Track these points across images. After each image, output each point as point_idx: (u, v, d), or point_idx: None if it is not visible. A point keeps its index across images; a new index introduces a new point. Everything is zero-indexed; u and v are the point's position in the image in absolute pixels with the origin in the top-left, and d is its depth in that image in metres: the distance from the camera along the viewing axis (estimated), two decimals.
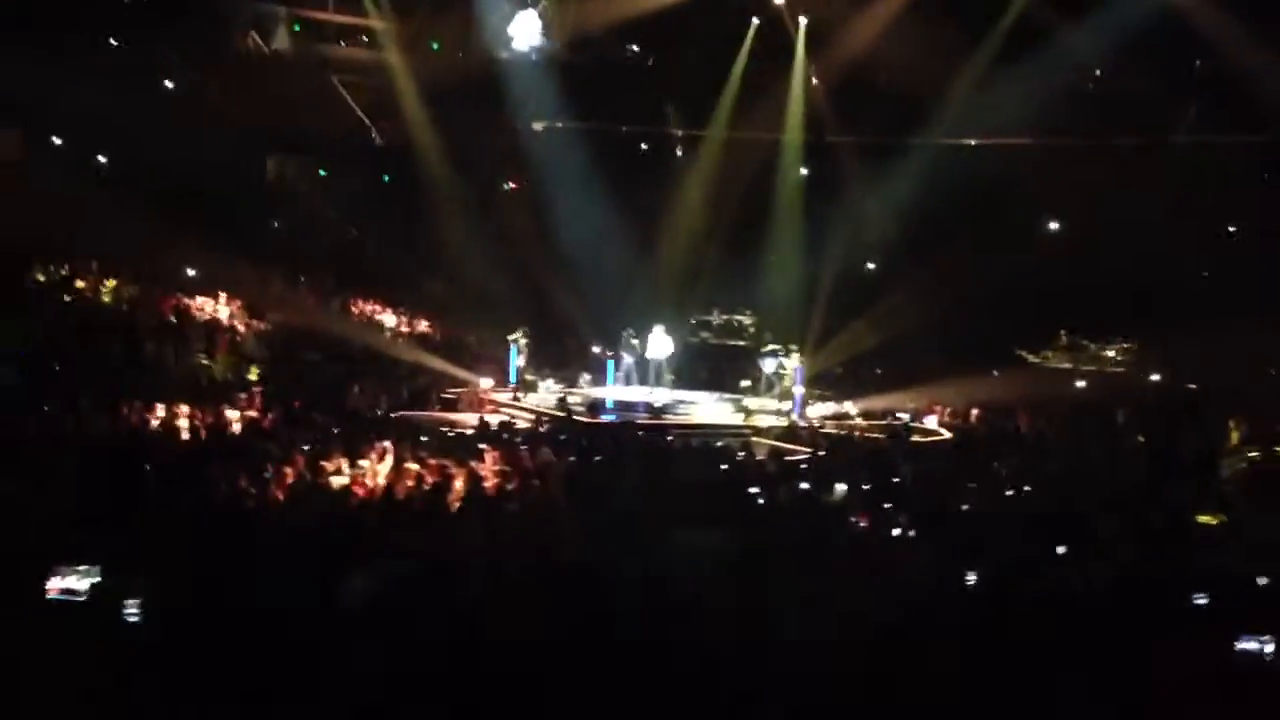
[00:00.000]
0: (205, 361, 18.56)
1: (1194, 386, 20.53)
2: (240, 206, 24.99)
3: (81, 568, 6.26)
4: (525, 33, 27.03)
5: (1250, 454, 13.90)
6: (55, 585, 6.22)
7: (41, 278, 20.38)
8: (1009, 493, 11.84)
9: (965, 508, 10.94)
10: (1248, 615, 6.60)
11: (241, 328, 20.39)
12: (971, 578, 8.02)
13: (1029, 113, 24.13)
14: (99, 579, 6.24)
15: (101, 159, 24.95)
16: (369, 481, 10.49)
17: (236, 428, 12.81)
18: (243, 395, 15.61)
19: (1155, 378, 21.95)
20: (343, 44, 28.19)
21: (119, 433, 12.12)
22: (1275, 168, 23.67)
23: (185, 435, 12.36)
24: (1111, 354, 23.28)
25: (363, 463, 10.96)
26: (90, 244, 20.83)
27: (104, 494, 8.76)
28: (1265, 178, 23.29)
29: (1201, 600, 7.09)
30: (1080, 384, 22.24)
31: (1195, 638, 6.49)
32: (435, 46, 28.58)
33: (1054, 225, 26.40)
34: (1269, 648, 6.28)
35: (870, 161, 25.69)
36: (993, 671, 6.07)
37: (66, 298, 19.96)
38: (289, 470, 10.00)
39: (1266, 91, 21.71)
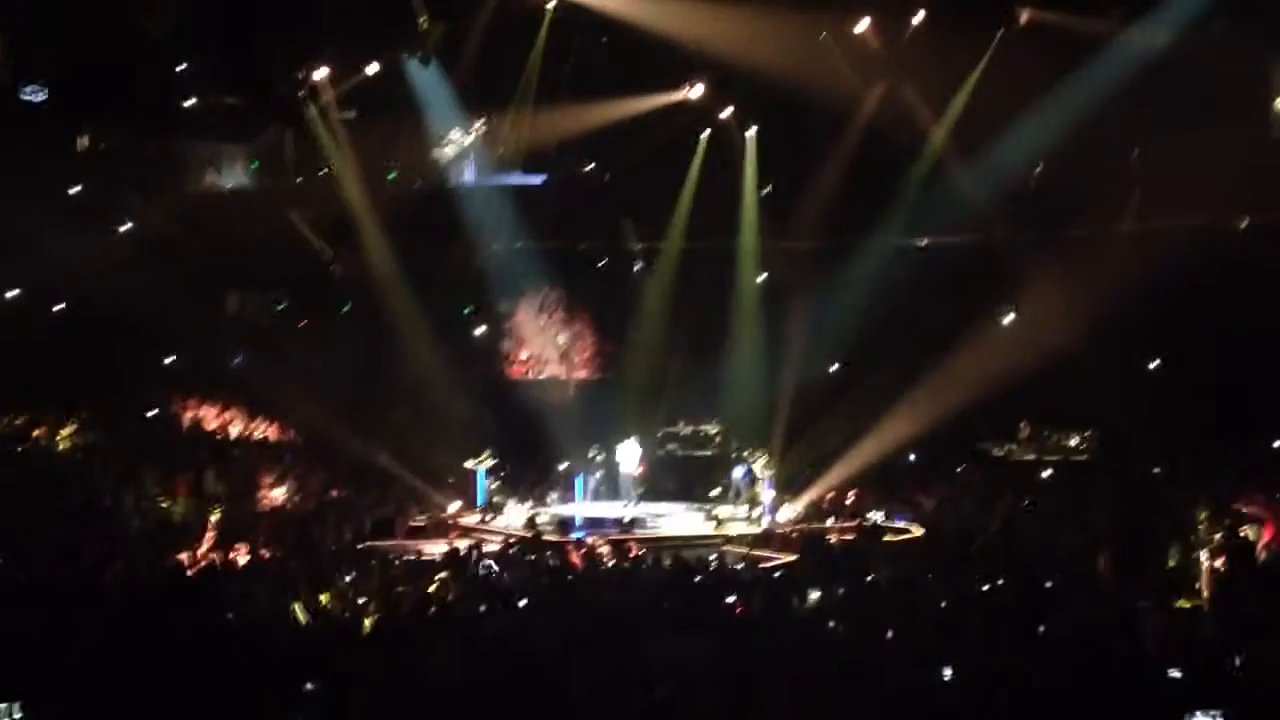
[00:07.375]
0: (165, 504, 18.26)
1: (1158, 470, 20.56)
2: (201, 343, 24.83)
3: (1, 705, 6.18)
4: (455, 166, 27.86)
5: (1216, 536, 13.92)
6: None
7: None
8: (984, 588, 11.73)
9: (942, 605, 10.85)
10: (1219, 692, 6.61)
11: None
12: (948, 673, 7.95)
13: (975, 209, 24.64)
14: (20, 714, 6.15)
15: (58, 305, 24.70)
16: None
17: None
18: (203, 537, 15.34)
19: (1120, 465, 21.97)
20: (299, 179, 28.40)
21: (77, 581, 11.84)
22: (1222, 249, 24.00)
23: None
24: (1074, 443, 23.31)
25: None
26: (46, 391, 20.58)
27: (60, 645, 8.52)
28: (1215, 259, 23.62)
29: (1176, 674, 7.11)
30: (1045, 474, 22.26)
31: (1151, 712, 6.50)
32: (391, 176, 28.86)
33: (1009, 317, 26.61)
34: None
35: (825, 264, 26.00)
36: None
37: (20, 447, 19.66)
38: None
39: (1207, 175, 22.23)
